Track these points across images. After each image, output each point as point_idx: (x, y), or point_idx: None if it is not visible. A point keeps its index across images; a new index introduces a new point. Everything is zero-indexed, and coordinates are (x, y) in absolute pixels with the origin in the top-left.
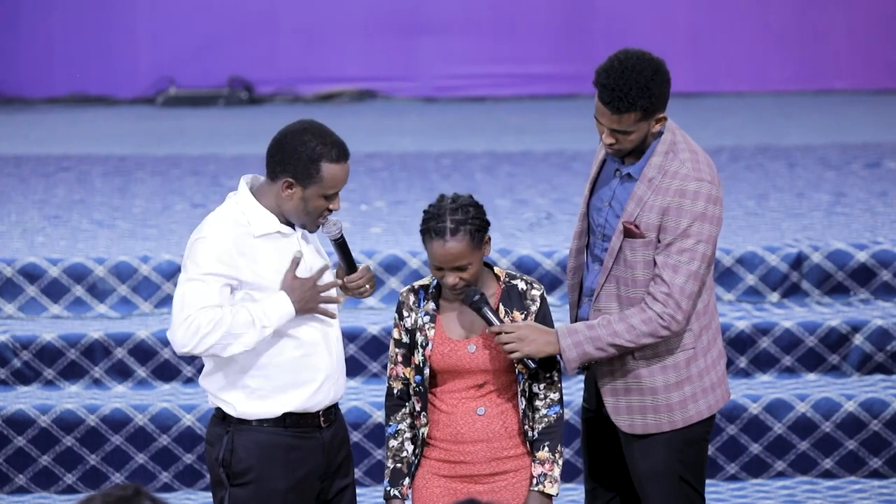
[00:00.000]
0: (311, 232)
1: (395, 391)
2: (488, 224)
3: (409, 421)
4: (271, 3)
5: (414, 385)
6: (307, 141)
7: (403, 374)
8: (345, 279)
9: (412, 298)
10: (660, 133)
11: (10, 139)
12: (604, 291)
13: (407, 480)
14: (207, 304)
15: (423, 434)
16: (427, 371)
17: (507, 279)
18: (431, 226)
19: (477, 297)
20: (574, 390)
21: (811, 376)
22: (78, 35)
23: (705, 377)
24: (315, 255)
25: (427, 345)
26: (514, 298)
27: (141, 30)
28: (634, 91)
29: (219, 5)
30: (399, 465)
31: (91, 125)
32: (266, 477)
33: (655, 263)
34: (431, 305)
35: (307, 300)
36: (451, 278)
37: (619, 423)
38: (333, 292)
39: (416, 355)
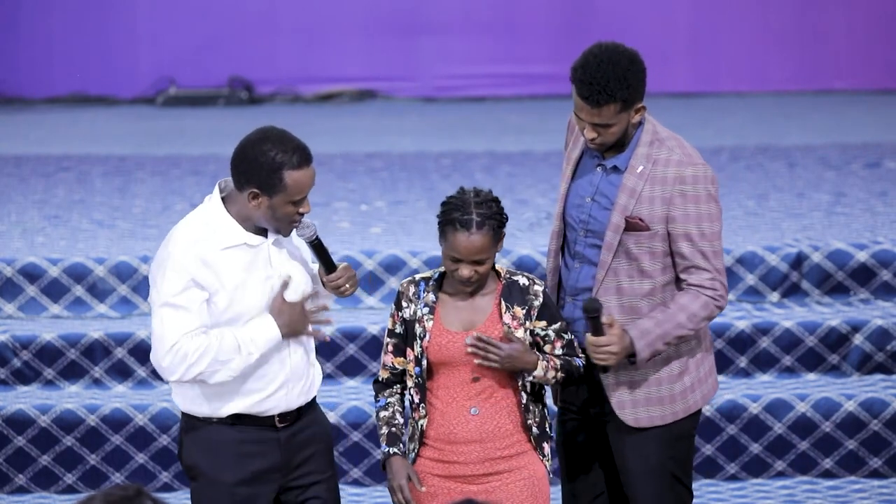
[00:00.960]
0: (285, 236)
1: (381, 379)
2: (507, 221)
3: (397, 397)
4: (271, 3)
5: (414, 377)
6: (267, 150)
7: (392, 363)
8: (324, 279)
9: (412, 289)
10: (640, 124)
11: (10, 139)
12: (603, 287)
13: (401, 445)
14: (190, 328)
15: (421, 426)
16: (425, 363)
17: (507, 275)
18: (457, 217)
19: (597, 311)
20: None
21: (811, 376)
22: (78, 35)
23: (700, 367)
24: (288, 261)
25: (425, 336)
26: (514, 294)
27: (141, 30)
28: (612, 83)
29: (219, 5)
30: (393, 429)
31: (91, 125)
32: (214, 470)
33: (680, 255)
34: (431, 297)
35: (295, 323)
36: (467, 271)
37: (625, 418)
38: (325, 314)
39: (414, 347)
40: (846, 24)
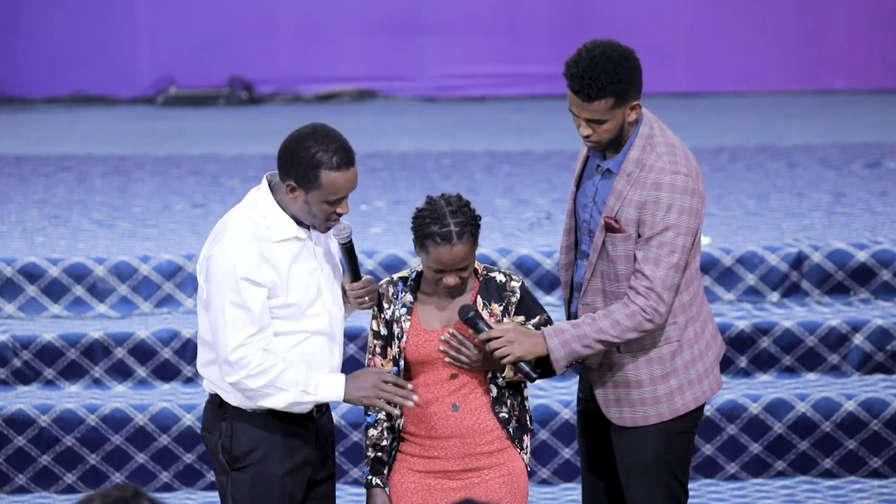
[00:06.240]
0: (321, 232)
1: None
2: (480, 221)
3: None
4: (271, 3)
5: None
6: (309, 147)
7: (381, 365)
8: (347, 287)
9: (391, 290)
10: (637, 124)
11: (10, 139)
12: (590, 286)
13: (386, 469)
14: (252, 331)
15: (399, 425)
16: (402, 363)
17: (484, 272)
18: (435, 230)
19: (472, 313)
20: (575, 389)
21: (811, 376)
22: (78, 35)
23: (691, 369)
24: (327, 259)
25: (402, 336)
26: (491, 291)
27: (141, 30)
28: (603, 77)
29: (219, 5)
30: (379, 454)
31: (91, 125)
32: (265, 461)
33: (635, 258)
34: (409, 297)
35: (366, 390)
36: (453, 279)
37: (609, 416)
38: (405, 392)
39: (392, 347)
40: (846, 24)
